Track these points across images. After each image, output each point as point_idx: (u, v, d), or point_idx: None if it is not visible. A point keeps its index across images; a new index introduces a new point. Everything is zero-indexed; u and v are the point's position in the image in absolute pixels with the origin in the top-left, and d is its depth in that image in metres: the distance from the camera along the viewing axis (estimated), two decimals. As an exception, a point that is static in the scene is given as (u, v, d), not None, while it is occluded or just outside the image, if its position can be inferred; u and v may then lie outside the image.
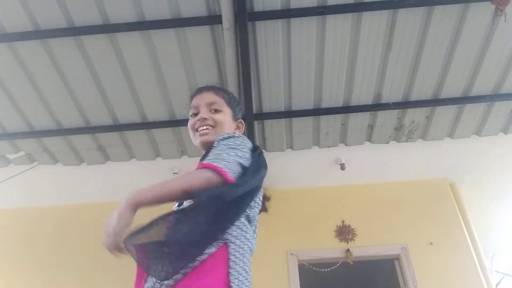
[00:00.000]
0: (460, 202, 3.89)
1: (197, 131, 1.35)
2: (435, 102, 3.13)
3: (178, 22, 2.53)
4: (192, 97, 1.45)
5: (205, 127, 1.34)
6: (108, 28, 2.53)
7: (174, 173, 3.55)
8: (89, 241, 3.81)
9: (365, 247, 3.63)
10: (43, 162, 3.50)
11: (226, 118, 1.38)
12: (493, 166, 3.83)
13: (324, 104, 3.11)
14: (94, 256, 3.72)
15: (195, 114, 1.38)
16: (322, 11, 2.52)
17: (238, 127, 1.43)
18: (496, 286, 4.91)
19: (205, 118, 1.34)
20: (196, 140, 1.36)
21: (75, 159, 3.49)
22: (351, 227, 3.75)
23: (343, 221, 3.78)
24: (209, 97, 1.39)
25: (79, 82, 2.84)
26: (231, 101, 1.43)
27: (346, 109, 3.16)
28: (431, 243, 3.65)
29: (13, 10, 2.41)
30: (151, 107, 3.05)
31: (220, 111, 1.37)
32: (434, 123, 3.31)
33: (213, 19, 2.52)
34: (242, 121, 1.46)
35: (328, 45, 2.73)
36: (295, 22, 2.59)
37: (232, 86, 2.73)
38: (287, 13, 2.53)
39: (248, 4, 2.45)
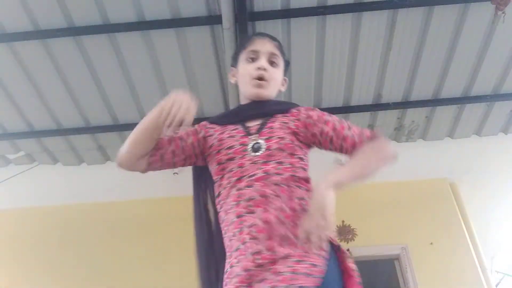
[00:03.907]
0: (460, 202, 3.89)
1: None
2: (435, 102, 3.13)
3: (178, 22, 2.53)
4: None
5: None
6: (108, 28, 2.53)
7: (174, 173, 3.55)
8: (89, 241, 3.82)
9: (365, 247, 3.63)
10: (43, 162, 3.50)
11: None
12: (493, 166, 3.82)
13: (324, 104, 3.11)
14: (94, 256, 3.73)
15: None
16: (322, 11, 2.52)
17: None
18: (496, 286, 4.90)
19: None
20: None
21: (75, 159, 3.49)
22: (351, 227, 3.75)
23: (343, 221, 3.78)
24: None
25: (79, 82, 2.84)
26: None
27: (346, 109, 3.16)
28: (431, 243, 3.65)
29: (13, 10, 2.41)
30: (151, 107, 2.99)
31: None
32: (434, 123, 3.31)
33: (213, 19, 2.52)
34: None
35: (328, 45, 2.73)
36: (295, 22, 2.59)
37: (232, 86, 2.73)
38: (287, 13, 2.53)
39: (248, 4, 2.45)
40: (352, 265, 1.14)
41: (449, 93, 3.08)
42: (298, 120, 1.27)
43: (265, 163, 1.18)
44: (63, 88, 2.86)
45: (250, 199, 1.13)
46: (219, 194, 1.21)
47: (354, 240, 3.69)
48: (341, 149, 1.26)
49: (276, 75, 1.34)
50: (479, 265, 3.54)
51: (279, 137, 1.22)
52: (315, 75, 2.91)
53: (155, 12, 2.48)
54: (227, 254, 1.15)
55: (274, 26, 2.60)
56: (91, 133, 3.22)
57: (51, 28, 2.50)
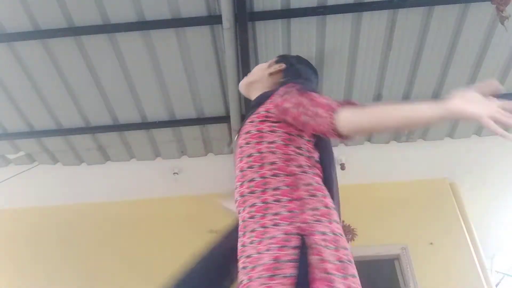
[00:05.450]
0: (460, 202, 3.89)
1: None
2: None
3: (178, 22, 2.53)
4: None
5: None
6: (108, 28, 2.53)
7: (174, 173, 3.55)
8: (89, 241, 3.82)
9: (365, 247, 3.63)
10: (43, 162, 3.51)
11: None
12: (493, 166, 3.83)
13: (324, 104, 3.10)
14: (94, 256, 3.73)
15: None
16: (322, 11, 2.52)
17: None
18: (496, 286, 4.91)
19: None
20: None
21: (75, 159, 3.49)
22: (351, 227, 3.74)
23: (343, 221, 3.75)
24: None
25: (79, 82, 2.84)
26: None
27: (346, 109, 3.15)
28: (431, 243, 3.65)
29: (13, 10, 2.41)
30: (151, 107, 3.05)
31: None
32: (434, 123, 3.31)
33: (213, 19, 2.52)
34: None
35: (328, 45, 2.73)
36: (295, 22, 2.59)
37: (232, 86, 2.73)
38: (287, 13, 2.53)
39: (248, 4, 2.45)
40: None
41: (449, 93, 3.07)
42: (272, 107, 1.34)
43: (240, 160, 1.26)
44: (63, 88, 2.86)
45: (236, 201, 1.23)
46: None
47: (354, 240, 3.69)
48: (306, 134, 1.30)
49: (256, 69, 1.64)
50: (479, 265, 3.54)
51: (245, 132, 1.29)
52: (315, 75, 2.91)
53: (155, 12, 2.48)
54: None
55: (274, 26, 2.61)
56: (91, 133, 3.22)
57: (51, 28, 2.50)
